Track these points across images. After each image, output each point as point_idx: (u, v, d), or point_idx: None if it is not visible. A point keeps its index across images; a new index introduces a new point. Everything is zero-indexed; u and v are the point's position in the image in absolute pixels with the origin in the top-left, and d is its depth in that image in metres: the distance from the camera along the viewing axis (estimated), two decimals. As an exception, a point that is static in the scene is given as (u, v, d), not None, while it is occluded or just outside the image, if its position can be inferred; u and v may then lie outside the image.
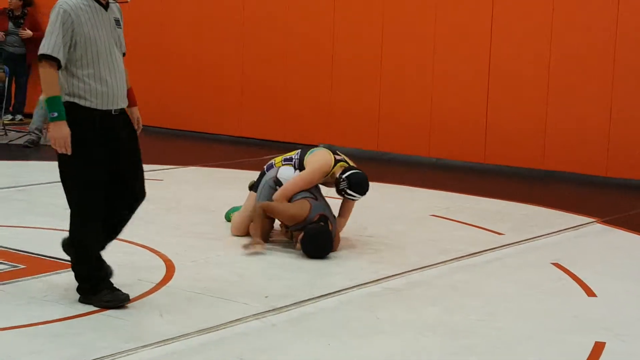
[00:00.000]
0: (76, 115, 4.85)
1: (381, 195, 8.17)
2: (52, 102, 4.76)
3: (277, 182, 6.58)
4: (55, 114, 4.74)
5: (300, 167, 6.62)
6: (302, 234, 6.21)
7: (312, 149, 6.73)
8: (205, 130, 12.34)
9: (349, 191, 6.34)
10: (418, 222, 7.58)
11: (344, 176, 6.40)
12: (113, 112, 4.92)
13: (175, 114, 12.43)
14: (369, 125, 11.21)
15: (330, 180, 6.51)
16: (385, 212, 7.84)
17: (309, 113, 11.61)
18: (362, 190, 6.41)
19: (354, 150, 10.95)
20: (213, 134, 12.21)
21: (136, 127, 5.14)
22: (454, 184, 9.44)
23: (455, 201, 8.51)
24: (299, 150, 6.82)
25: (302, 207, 6.32)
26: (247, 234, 6.77)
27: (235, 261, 6.18)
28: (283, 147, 10.02)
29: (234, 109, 12.12)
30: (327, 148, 6.82)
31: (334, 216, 6.46)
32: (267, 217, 6.42)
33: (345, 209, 6.61)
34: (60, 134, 4.76)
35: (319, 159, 6.54)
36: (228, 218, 7.17)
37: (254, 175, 7.13)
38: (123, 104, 4.97)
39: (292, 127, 11.69)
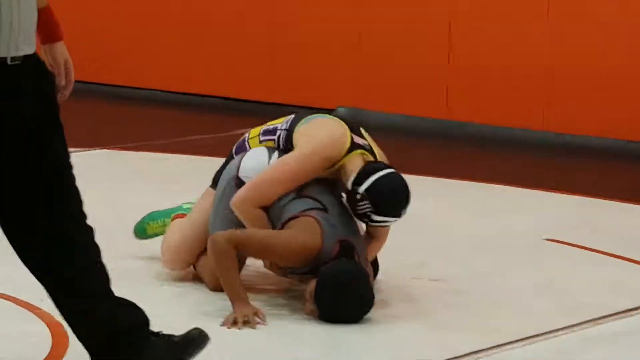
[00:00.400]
0: None
1: (453, 202, 7.23)
2: None
3: (240, 183, 5.32)
4: None
5: (286, 145, 5.38)
6: (313, 283, 5.09)
7: (312, 115, 5.50)
8: (159, 87, 11.21)
9: (374, 217, 5.23)
10: (522, 252, 6.47)
11: (362, 188, 5.18)
12: (9, 62, 3.93)
13: (119, 64, 11.42)
14: (434, 82, 9.86)
15: (336, 177, 5.34)
16: (460, 232, 6.80)
17: (330, 61, 10.51)
18: (397, 209, 5.28)
19: (410, 118, 9.64)
20: (167, 92, 11.07)
21: (62, 79, 4.13)
22: (587, 180, 8.32)
23: (590, 213, 7.48)
24: (292, 115, 5.58)
25: (308, 232, 5.13)
26: (190, 264, 5.58)
27: (186, 324, 4.67)
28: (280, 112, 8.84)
29: (211, 57, 11.05)
30: (341, 118, 5.55)
31: (361, 237, 5.39)
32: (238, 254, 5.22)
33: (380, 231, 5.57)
34: None
35: (321, 130, 5.33)
36: (141, 232, 5.91)
37: (217, 165, 5.90)
38: (27, 46, 3.97)
39: (299, 85, 10.63)
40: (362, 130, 5.45)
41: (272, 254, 5.24)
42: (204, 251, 5.56)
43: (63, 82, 4.07)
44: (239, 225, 5.35)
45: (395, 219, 5.31)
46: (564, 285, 5.99)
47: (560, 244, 6.67)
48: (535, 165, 9.05)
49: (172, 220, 5.81)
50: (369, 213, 5.19)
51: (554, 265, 6.31)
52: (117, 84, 11.48)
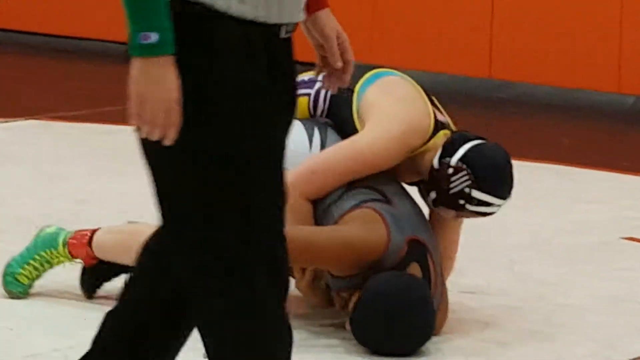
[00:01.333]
0: (210, 36, 3.09)
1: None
2: (140, 6, 2.96)
3: None
4: (153, 37, 2.92)
5: (333, 109, 4.71)
6: (357, 297, 4.58)
7: (375, 72, 4.72)
8: (94, 36, 10.60)
9: (475, 194, 4.58)
10: (590, 255, 5.79)
11: (455, 158, 4.53)
12: (284, 34, 3.20)
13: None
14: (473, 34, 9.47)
15: (411, 167, 4.71)
16: (507, 228, 6.03)
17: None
18: (503, 185, 4.71)
19: (440, 76, 9.26)
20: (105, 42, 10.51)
21: (337, 59, 3.32)
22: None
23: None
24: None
25: (369, 225, 4.58)
26: None
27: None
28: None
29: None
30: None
31: (434, 236, 4.83)
32: None
33: (447, 234, 4.91)
34: (160, 91, 2.88)
35: (400, 102, 4.57)
36: (11, 281, 4.72)
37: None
38: (299, 13, 3.28)
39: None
40: (435, 99, 4.75)
41: (320, 256, 4.54)
42: None
43: (339, 63, 3.25)
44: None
45: (499, 201, 4.61)
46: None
47: (643, 244, 6.15)
48: (606, 138, 8.46)
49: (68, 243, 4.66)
50: (466, 189, 4.44)
51: (635, 272, 5.57)
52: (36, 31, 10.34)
